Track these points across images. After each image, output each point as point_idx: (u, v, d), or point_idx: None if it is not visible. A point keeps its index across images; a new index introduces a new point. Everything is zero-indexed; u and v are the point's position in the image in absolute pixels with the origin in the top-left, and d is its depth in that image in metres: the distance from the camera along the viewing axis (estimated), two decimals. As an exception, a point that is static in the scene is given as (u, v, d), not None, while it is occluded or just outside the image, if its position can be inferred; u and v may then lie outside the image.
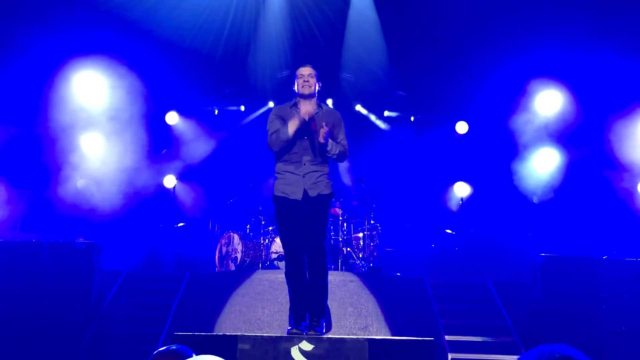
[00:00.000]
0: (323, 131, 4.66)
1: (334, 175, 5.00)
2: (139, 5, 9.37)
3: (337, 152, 4.80)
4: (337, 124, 4.91)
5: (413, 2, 9.89)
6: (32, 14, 9.05)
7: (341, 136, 4.90)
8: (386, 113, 11.62)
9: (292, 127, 4.73)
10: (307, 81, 4.84)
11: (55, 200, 9.64)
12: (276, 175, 4.87)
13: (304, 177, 4.74)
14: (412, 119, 11.57)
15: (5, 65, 9.19)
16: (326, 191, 4.78)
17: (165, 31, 9.84)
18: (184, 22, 9.81)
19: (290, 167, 4.78)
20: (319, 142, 4.72)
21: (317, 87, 4.91)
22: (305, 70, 4.89)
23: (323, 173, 4.80)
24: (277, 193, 4.80)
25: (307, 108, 4.76)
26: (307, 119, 4.72)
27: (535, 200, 10.28)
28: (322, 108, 4.95)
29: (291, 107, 4.92)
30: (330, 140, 4.76)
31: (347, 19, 10.51)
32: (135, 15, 9.45)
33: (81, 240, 7.51)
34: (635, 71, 9.15)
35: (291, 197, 4.72)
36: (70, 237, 8.85)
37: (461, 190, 10.87)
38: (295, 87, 4.91)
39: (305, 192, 4.71)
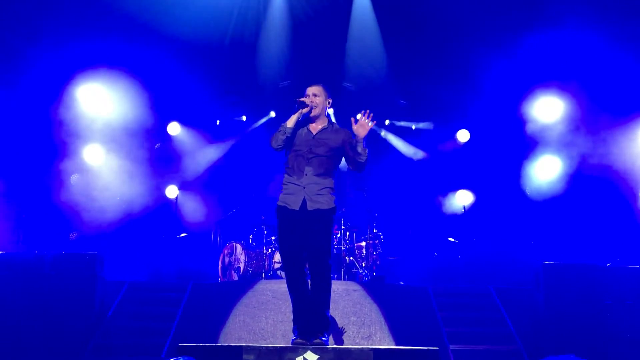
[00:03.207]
0: (365, 124, 4.68)
1: (338, 185, 4.97)
2: (139, 15, 9.40)
3: (366, 156, 4.78)
4: (349, 139, 4.86)
5: (414, 10, 9.93)
6: (35, 28, 9.11)
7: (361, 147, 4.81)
8: (387, 122, 11.64)
9: (291, 120, 4.78)
10: (312, 101, 4.87)
11: (57, 212, 9.65)
12: (282, 186, 4.90)
13: (304, 187, 4.76)
14: (413, 127, 11.58)
15: (9, 79, 9.24)
16: (326, 206, 4.74)
17: (167, 41, 9.89)
18: (186, 31, 9.83)
19: (293, 178, 4.81)
20: (324, 153, 4.77)
21: (325, 104, 4.92)
22: (310, 90, 4.92)
23: (325, 186, 4.79)
24: (279, 203, 4.85)
25: (314, 101, 4.82)
26: (304, 110, 4.79)
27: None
28: (332, 125, 4.96)
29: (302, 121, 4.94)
30: (361, 144, 4.74)
31: (348, 29, 10.56)
32: (136, 25, 9.49)
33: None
34: (636, 76, 9.17)
35: (290, 207, 4.75)
36: (73, 248, 8.85)
37: (464, 198, 10.85)
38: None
39: (304, 203, 4.72)
